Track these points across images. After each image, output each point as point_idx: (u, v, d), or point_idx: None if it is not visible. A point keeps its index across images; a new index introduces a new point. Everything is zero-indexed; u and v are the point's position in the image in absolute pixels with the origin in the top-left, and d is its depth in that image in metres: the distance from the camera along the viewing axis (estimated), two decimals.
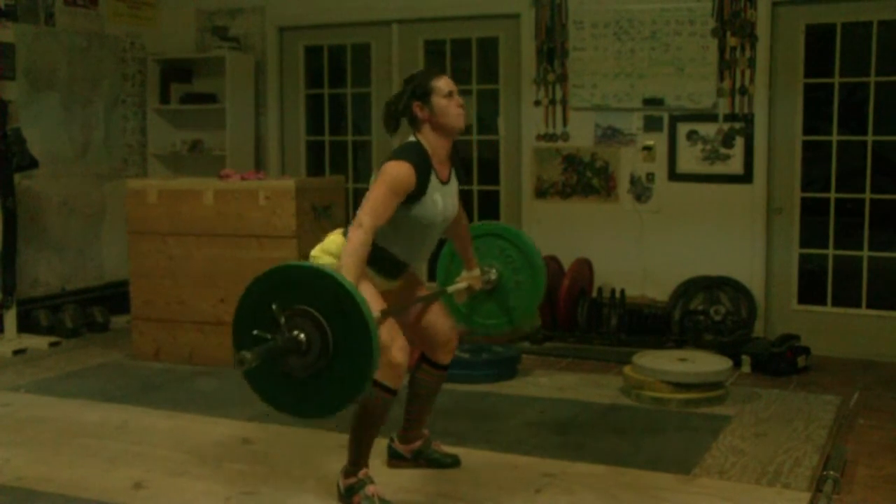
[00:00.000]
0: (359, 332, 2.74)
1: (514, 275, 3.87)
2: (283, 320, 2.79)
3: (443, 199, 3.27)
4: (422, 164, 3.19)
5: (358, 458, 3.29)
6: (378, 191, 3.09)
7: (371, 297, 3.13)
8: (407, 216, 3.19)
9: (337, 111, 7.06)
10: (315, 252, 3.28)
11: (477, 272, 3.75)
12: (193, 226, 5.40)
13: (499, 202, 6.47)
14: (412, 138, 3.29)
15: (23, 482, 3.59)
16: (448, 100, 3.26)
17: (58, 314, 6.24)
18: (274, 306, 2.80)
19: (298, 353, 2.80)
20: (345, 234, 3.24)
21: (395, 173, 3.11)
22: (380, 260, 3.25)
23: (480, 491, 3.46)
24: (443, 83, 3.27)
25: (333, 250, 3.22)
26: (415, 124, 3.29)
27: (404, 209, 3.17)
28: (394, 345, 3.12)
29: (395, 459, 3.65)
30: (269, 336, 2.80)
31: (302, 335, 2.78)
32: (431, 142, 3.27)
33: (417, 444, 3.65)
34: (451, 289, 3.71)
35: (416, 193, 3.17)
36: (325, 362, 2.79)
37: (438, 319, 3.51)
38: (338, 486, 3.34)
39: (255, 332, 2.82)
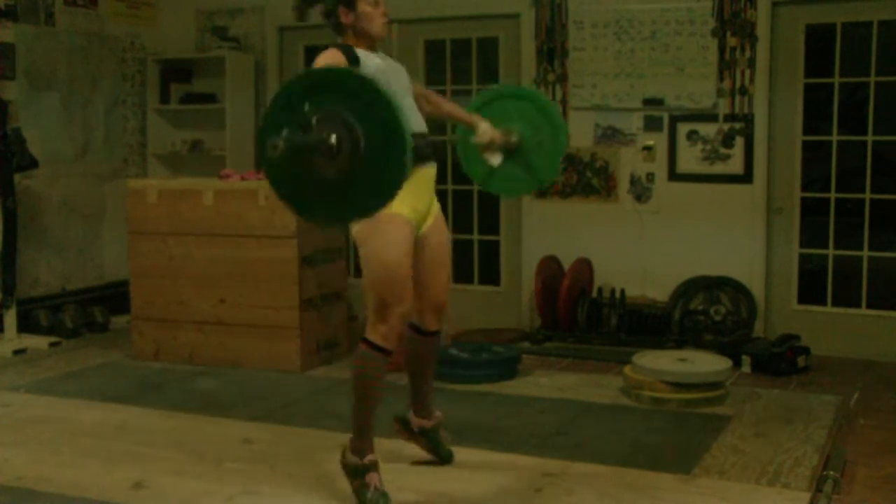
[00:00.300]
0: (392, 139, 2.67)
1: (535, 134, 3.84)
2: (314, 121, 2.71)
3: (383, 61, 3.34)
4: (346, 48, 3.24)
5: (361, 431, 3.28)
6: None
7: (401, 243, 3.17)
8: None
9: None
10: None
11: (487, 123, 3.72)
12: (193, 226, 5.40)
13: (499, 202, 6.47)
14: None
15: (23, 482, 3.59)
16: (374, 7, 3.32)
17: (58, 314, 6.24)
18: (307, 106, 2.72)
19: (328, 155, 2.71)
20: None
21: (327, 52, 3.20)
22: None
23: (480, 491, 3.46)
24: None
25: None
26: (338, 29, 3.35)
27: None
28: (397, 306, 3.14)
29: (401, 427, 3.66)
30: (312, 119, 2.72)
31: (333, 137, 2.70)
32: (353, 43, 3.32)
33: (428, 422, 3.65)
34: (474, 140, 3.68)
35: (352, 64, 3.19)
36: (354, 166, 2.71)
37: (436, 276, 3.47)
38: (343, 453, 3.33)
39: (284, 131, 2.71)
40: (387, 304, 3.17)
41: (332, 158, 2.71)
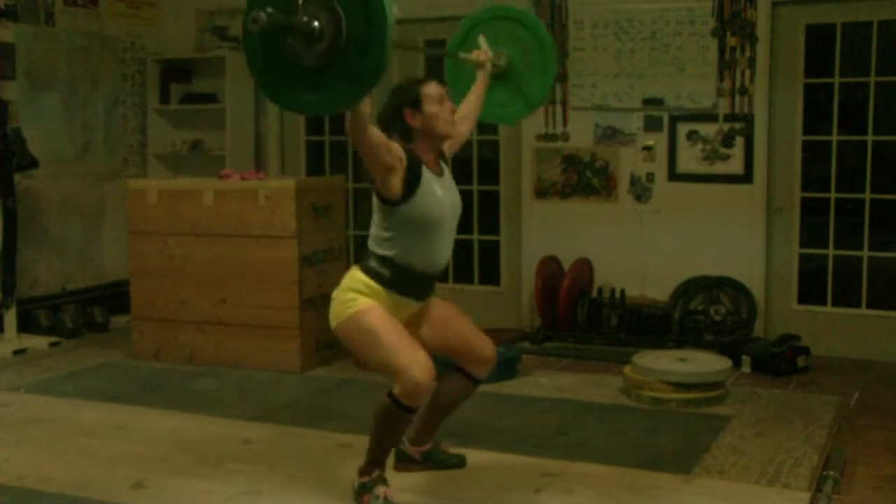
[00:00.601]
0: (375, 29, 2.64)
1: (524, 56, 3.82)
2: (300, 2, 2.67)
3: (442, 189, 3.26)
4: (411, 154, 3.18)
5: (373, 459, 3.29)
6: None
7: (387, 320, 3.16)
8: (415, 214, 3.17)
9: None
10: (334, 293, 3.28)
11: (485, 57, 3.72)
12: (193, 226, 5.40)
13: (499, 202, 6.47)
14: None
15: (23, 482, 3.59)
16: (440, 106, 3.25)
17: (58, 314, 6.24)
18: None
19: (309, 40, 2.69)
20: (361, 269, 3.25)
21: (392, 142, 3.13)
22: (400, 278, 3.23)
23: (480, 491, 3.46)
24: (432, 89, 3.26)
25: (353, 285, 3.23)
26: (405, 131, 3.26)
27: (409, 207, 3.16)
28: (415, 364, 3.07)
29: (403, 462, 3.63)
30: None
31: (316, 22, 2.67)
32: (420, 147, 3.26)
33: (428, 446, 3.64)
34: (462, 55, 3.64)
35: (412, 182, 3.14)
36: (335, 55, 2.68)
37: (473, 335, 3.48)
38: (353, 483, 3.34)
39: (268, 9, 2.67)
40: (400, 371, 3.09)
41: (312, 44, 2.69)
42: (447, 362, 3.50)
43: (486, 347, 3.48)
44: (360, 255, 3.38)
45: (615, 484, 3.52)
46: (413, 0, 6.37)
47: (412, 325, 3.34)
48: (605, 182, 6.07)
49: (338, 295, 3.26)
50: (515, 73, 3.85)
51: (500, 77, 3.85)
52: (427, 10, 6.44)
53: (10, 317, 5.87)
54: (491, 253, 6.55)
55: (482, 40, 3.80)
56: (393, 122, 3.26)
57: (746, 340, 5.43)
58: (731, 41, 5.71)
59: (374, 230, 3.27)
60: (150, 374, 5.29)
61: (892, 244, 5.67)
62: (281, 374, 5.19)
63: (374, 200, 3.24)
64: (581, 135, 6.09)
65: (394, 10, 2.92)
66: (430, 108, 3.23)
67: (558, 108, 6.13)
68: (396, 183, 3.13)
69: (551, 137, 6.15)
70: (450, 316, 3.48)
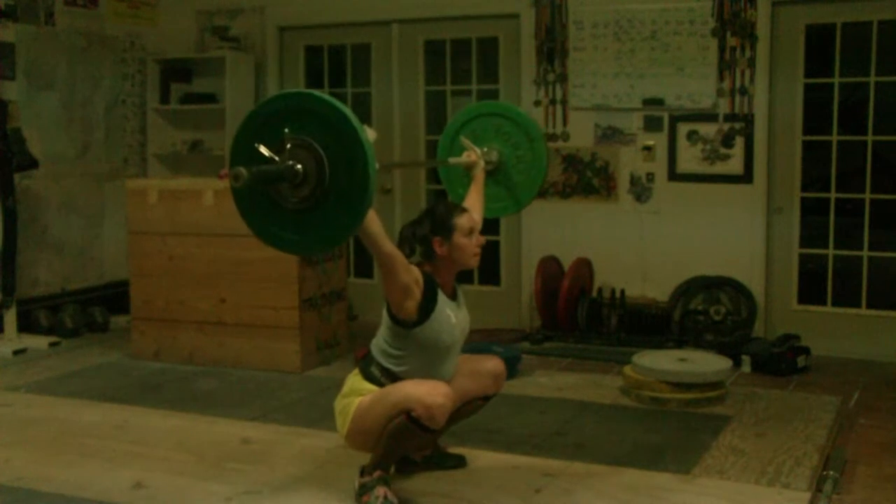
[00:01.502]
0: (356, 174, 2.70)
1: (514, 151, 3.87)
2: (289, 146, 2.75)
3: (455, 314, 3.29)
4: (428, 278, 3.21)
5: (378, 463, 3.30)
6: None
7: (382, 395, 3.20)
8: (427, 339, 3.21)
9: None
10: (336, 403, 3.34)
11: (476, 156, 3.77)
12: (193, 226, 5.40)
13: None
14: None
15: (23, 482, 3.59)
16: (468, 239, 3.29)
17: (58, 314, 6.24)
18: (286, 130, 2.76)
19: (293, 183, 2.76)
20: (364, 376, 3.28)
21: (411, 267, 3.16)
22: None
23: (480, 491, 3.46)
24: (465, 220, 3.30)
25: (350, 391, 3.28)
26: (429, 256, 3.30)
27: (422, 332, 3.19)
28: (432, 391, 3.11)
29: (403, 464, 3.63)
30: (267, 154, 2.77)
31: (299, 166, 2.75)
32: (440, 271, 3.29)
33: (429, 449, 3.64)
34: (452, 160, 3.69)
35: (427, 307, 3.18)
36: (318, 198, 2.76)
37: (485, 366, 3.51)
38: (354, 483, 3.35)
39: (256, 144, 2.78)
40: (420, 397, 3.11)
41: (296, 187, 2.76)
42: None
43: (489, 371, 3.52)
44: (365, 360, 3.38)
45: (615, 484, 3.52)
46: (413, 0, 6.40)
47: None
48: (605, 182, 6.07)
49: (339, 401, 3.32)
50: (507, 169, 3.90)
51: (491, 173, 3.89)
52: (427, 11, 6.45)
53: (10, 317, 5.87)
54: (491, 253, 6.55)
55: (465, 142, 3.84)
56: (419, 243, 3.30)
57: (746, 340, 5.43)
58: (731, 41, 5.71)
59: (382, 344, 3.30)
60: (150, 374, 5.29)
61: (892, 244, 5.67)
62: (281, 374, 5.19)
63: (385, 317, 3.26)
64: (581, 135, 6.10)
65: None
66: (460, 240, 3.28)
67: (558, 108, 6.13)
68: (412, 306, 3.16)
69: (551, 137, 6.15)
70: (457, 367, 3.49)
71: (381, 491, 3.23)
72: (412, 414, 3.12)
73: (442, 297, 3.25)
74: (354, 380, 3.32)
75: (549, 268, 5.99)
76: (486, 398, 3.58)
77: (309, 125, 2.76)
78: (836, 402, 4.60)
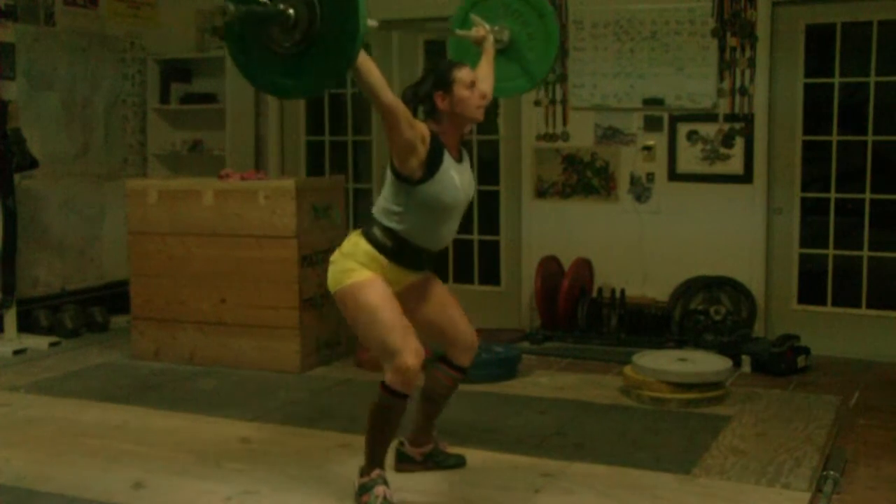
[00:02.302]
0: (347, 15, 2.73)
1: (524, 28, 3.85)
2: None
3: (459, 175, 3.26)
4: (434, 138, 3.19)
5: (373, 459, 3.30)
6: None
7: (385, 298, 3.17)
8: (429, 197, 3.18)
9: (337, 111, 7.06)
10: (334, 256, 3.29)
11: (484, 31, 3.76)
12: (193, 226, 5.40)
13: (499, 202, 6.47)
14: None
15: (23, 482, 3.59)
16: (470, 91, 3.26)
17: (58, 314, 6.24)
18: None
19: (283, 27, 2.78)
20: (364, 236, 3.25)
21: (418, 123, 3.14)
22: (401, 250, 3.24)
23: (480, 491, 3.46)
24: (465, 73, 3.27)
25: (354, 253, 3.23)
26: (433, 113, 3.28)
27: (425, 189, 3.16)
28: (406, 348, 3.12)
29: (403, 463, 3.63)
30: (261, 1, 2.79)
31: (291, 10, 2.76)
32: (445, 129, 3.27)
33: (428, 447, 3.64)
34: (460, 32, 3.66)
35: (432, 165, 3.15)
36: (309, 42, 2.78)
37: (461, 319, 3.49)
38: (353, 484, 3.35)
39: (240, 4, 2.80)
40: (393, 353, 3.14)
41: (287, 31, 2.78)
42: (433, 355, 3.52)
43: (469, 334, 3.50)
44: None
45: (615, 484, 3.52)
46: (413, 0, 6.39)
47: (409, 295, 3.35)
48: (605, 182, 6.07)
49: (337, 259, 3.27)
50: (519, 47, 3.87)
51: (503, 52, 3.87)
52: (427, 11, 6.43)
53: (10, 317, 5.87)
54: (491, 253, 6.55)
55: (475, 19, 3.83)
56: (422, 102, 3.28)
57: (746, 340, 5.42)
58: (731, 41, 5.71)
59: (383, 202, 3.27)
60: (150, 374, 5.29)
61: (892, 244, 5.67)
62: (281, 374, 5.19)
63: (389, 174, 3.24)
64: (581, 135, 6.09)
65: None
66: (461, 92, 3.25)
67: (558, 108, 6.13)
68: (416, 163, 3.14)
69: (551, 137, 6.15)
70: (444, 298, 3.48)
71: (380, 490, 3.23)
72: (384, 382, 3.16)
73: (447, 158, 3.22)
74: (356, 238, 3.27)
75: (549, 268, 5.98)
76: (456, 367, 3.51)
77: None
78: (836, 402, 4.60)
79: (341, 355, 5.47)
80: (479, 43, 3.81)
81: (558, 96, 6.11)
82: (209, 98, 7.10)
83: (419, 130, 3.12)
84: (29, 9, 6.26)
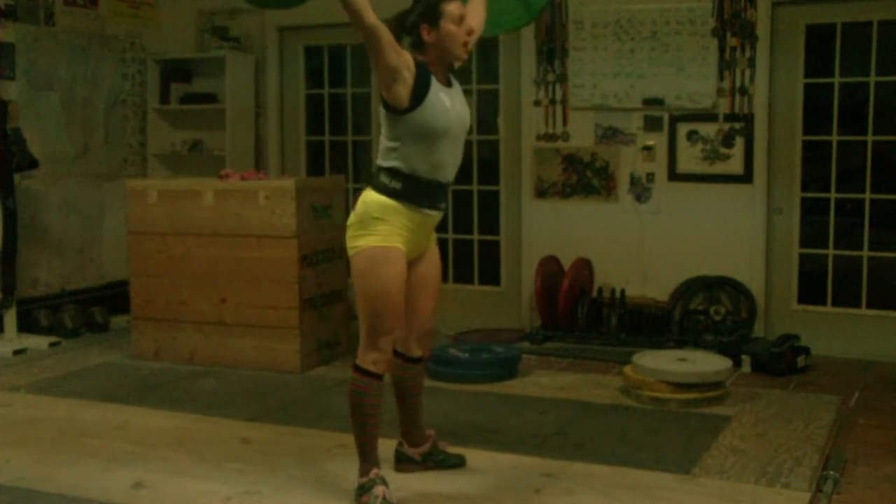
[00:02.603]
0: None
1: None
2: None
3: (450, 99, 3.24)
4: (420, 64, 3.17)
5: (364, 455, 3.30)
6: None
7: (399, 278, 3.19)
8: (422, 122, 3.16)
9: (337, 111, 7.06)
10: (350, 219, 3.29)
11: None
12: (193, 226, 5.40)
13: (499, 202, 6.47)
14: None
15: (23, 482, 3.59)
16: (457, 26, 3.22)
17: (58, 314, 6.24)
18: None
19: None
20: (373, 187, 3.25)
21: (403, 49, 3.13)
22: (411, 187, 3.22)
23: (480, 491, 3.46)
24: (454, 7, 3.22)
25: (369, 210, 3.23)
26: (418, 45, 3.25)
27: (417, 115, 3.15)
28: (389, 334, 3.20)
29: (403, 463, 3.63)
30: None
31: None
32: (431, 61, 3.24)
33: (426, 446, 3.63)
34: None
35: (419, 90, 3.13)
36: None
37: (423, 303, 3.45)
38: (353, 485, 3.35)
39: None
40: (379, 333, 3.20)
41: None
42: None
43: (426, 321, 3.48)
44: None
45: (615, 484, 3.52)
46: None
47: (416, 265, 3.36)
48: (605, 182, 6.07)
49: (353, 222, 3.27)
50: None
51: None
52: None
53: (10, 317, 5.87)
54: (491, 253, 6.55)
55: None
56: (407, 32, 3.25)
57: (746, 340, 5.43)
58: (731, 41, 5.71)
59: (383, 142, 3.27)
60: (150, 374, 5.29)
61: (892, 244, 5.67)
62: (281, 374, 5.19)
63: (382, 111, 3.23)
64: (581, 135, 6.10)
65: None
66: (448, 26, 3.21)
67: (558, 108, 6.13)
68: (403, 91, 3.12)
69: (551, 137, 6.15)
70: (426, 283, 3.45)
71: (379, 490, 3.23)
72: (356, 364, 3.23)
73: (435, 83, 3.20)
74: (366, 195, 3.27)
75: (549, 268, 5.99)
76: (408, 359, 3.50)
77: None
78: (836, 402, 4.60)
79: (341, 355, 5.46)
80: None
81: (558, 96, 6.11)
82: (209, 98, 7.10)
83: (405, 58, 3.11)
84: (29, 9, 6.26)
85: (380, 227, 3.20)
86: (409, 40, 3.28)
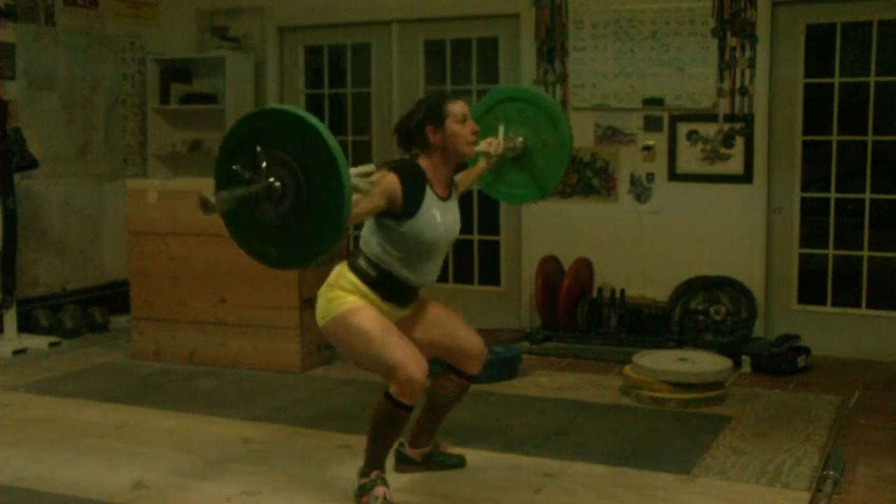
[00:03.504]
0: (332, 184, 2.72)
1: (538, 136, 3.83)
2: (263, 164, 2.78)
3: (442, 214, 3.25)
4: (412, 181, 3.17)
5: (372, 461, 3.30)
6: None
7: (375, 318, 3.18)
8: (409, 234, 3.18)
9: (337, 111, 7.06)
10: (321, 290, 3.30)
11: (494, 149, 3.72)
12: (193, 226, 5.39)
13: (499, 202, 6.46)
14: (414, 157, 3.29)
15: (23, 482, 3.59)
16: (462, 126, 3.24)
17: (58, 314, 6.24)
18: (259, 148, 2.78)
19: (272, 201, 2.79)
20: (349, 266, 3.26)
21: (381, 177, 3.11)
22: (388, 285, 3.25)
23: (480, 491, 3.46)
24: (458, 108, 3.25)
25: (340, 283, 3.24)
26: (423, 146, 3.26)
27: (405, 227, 3.16)
28: (407, 360, 3.12)
29: (403, 464, 3.63)
30: (246, 174, 2.80)
31: (277, 183, 2.77)
32: (436, 163, 3.26)
33: (427, 448, 3.64)
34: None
35: (410, 208, 3.15)
36: (298, 212, 2.78)
37: (464, 331, 3.49)
38: (353, 484, 3.35)
39: (234, 166, 2.82)
40: (394, 368, 3.14)
41: (276, 203, 2.78)
42: (439, 361, 3.52)
43: (475, 343, 3.50)
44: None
45: (615, 484, 3.52)
46: (413, 0, 6.40)
47: (404, 325, 3.34)
48: (605, 182, 6.07)
49: (324, 292, 3.28)
50: (531, 154, 3.84)
51: (515, 160, 3.84)
52: (427, 11, 6.45)
53: (10, 317, 5.87)
54: (491, 253, 6.55)
55: (501, 128, 3.78)
56: (413, 134, 3.26)
57: (746, 340, 5.43)
58: (731, 41, 5.71)
59: (368, 235, 3.28)
60: (150, 374, 5.28)
61: (892, 244, 5.67)
62: (281, 374, 5.19)
63: None
64: (581, 135, 6.07)
65: (368, 180, 3.00)
66: (453, 126, 3.23)
67: None
68: (395, 210, 3.15)
69: None
70: (440, 317, 3.49)
71: (380, 491, 3.23)
72: (388, 392, 3.16)
73: (429, 198, 3.21)
74: (341, 269, 3.28)
75: (549, 268, 5.98)
76: (466, 376, 3.51)
77: (279, 140, 2.78)
78: (836, 402, 4.60)
79: (341, 355, 5.45)
80: (485, 157, 3.73)
81: (558, 96, 6.11)
82: (209, 98, 7.10)
83: (385, 190, 3.09)
84: (29, 9, 6.26)
85: (347, 296, 3.21)
86: (415, 142, 3.28)
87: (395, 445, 3.61)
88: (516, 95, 3.94)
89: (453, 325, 3.50)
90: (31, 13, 6.28)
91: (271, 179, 2.77)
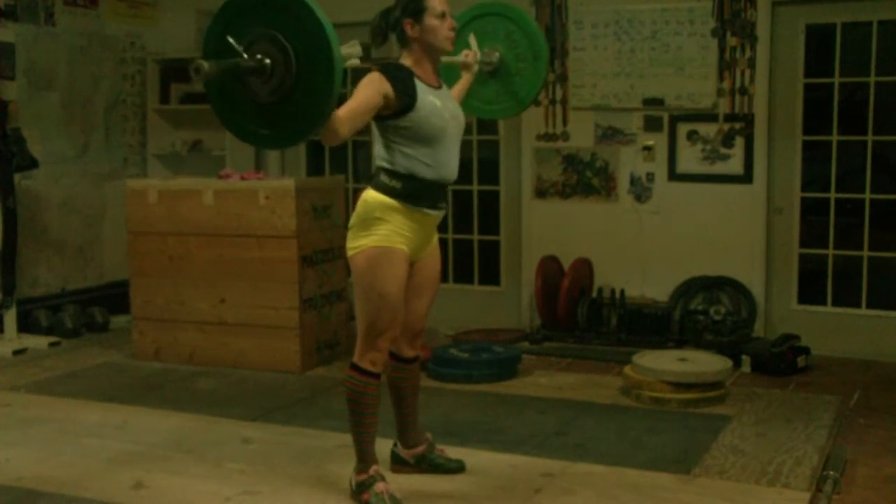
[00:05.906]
0: (321, 53, 2.75)
1: (516, 61, 3.85)
2: (248, 42, 2.82)
3: (441, 101, 3.25)
4: (399, 74, 3.17)
5: (363, 453, 3.30)
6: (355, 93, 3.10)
7: (400, 279, 3.20)
8: (416, 126, 3.16)
9: None
10: (351, 220, 3.29)
11: (472, 59, 3.76)
12: (193, 226, 5.40)
13: (499, 202, 6.47)
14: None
15: (23, 482, 3.59)
16: (440, 20, 3.24)
17: (58, 314, 6.24)
18: (230, 39, 2.83)
19: (262, 76, 2.80)
20: (373, 187, 3.25)
21: (367, 78, 3.12)
22: (410, 187, 3.21)
23: (480, 491, 3.46)
24: (436, 2, 3.25)
25: (369, 211, 3.23)
26: (403, 41, 3.28)
27: (409, 120, 3.15)
28: (388, 332, 3.20)
29: (398, 465, 3.63)
30: (240, 48, 2.83)
31: (267, 59, 2.79)
32: (417, 58, 3.26)
33: (420, 449, 3.62)
34: (445, 59, 3.61)
35: (406, 99, 3.14)
36: (290, 86, 2.79)
37: (418, 303, 3.43)
38: (350, 483, 3.35)
39: (228, 38, 2.86)
40: (378, 332, 3.20)
41: (266, 80, 2.80)
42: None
43: (418, 320, 3.46)
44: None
45: (615, 484, 3.52)
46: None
47: (418, 266, 3.35)
48: (605, 182, 6.07)
49: (354, 223, 3.26)
50: (507, 71, 3.88)
51: (492, 74, 3.88)
52: None
53: (10, 317, 5.87)
54: (491, 253, 6.55)
55: (472, 40, 3.82)
56: (392, 28, 3.28)
57: (746, 340, 5.43)
58: (731, 41, 5.71)
59: (378, 149, 3.27)
60: (150, 374, 5.29)
61: (892, 244, 5.67)
62: (281, 374, 5.19)
63: (372, 122, 3.23)
64: (581, 135, 6.09)
65: (354, 52, 3.00)
66: (431, 21, 3.24)
67: (558, 108, 6.13)
68: (392, 107, 3.14)
69: (551, 137, 6.15)
70: (428, 280, 3.45)
71: (381, 487, 3.23)
72: (354, 363, 3.23)
73: (421, 88, 3.20)
74: (367, 194, 3.27)
75: (549, 268, 5.99)
76: (401, 359, 3.49)
77: (276, 19, 2.80)
78: (836, 402, 4.60)
79: (341, 355, 5.46)
80: (465, 68, 3.79)
81: (558, 96, 6.11)
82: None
83: (379, 89, 3.09)
84: (29, 9, 6.26)
85: (380, 228, 3.19)
86: (395, 36, 3.30)
87: (390, 445, 3.62)
88: (507, 14, 3.92)
89: (423, 296, 3.45)
90: (31, 13, 6.28)
91: (259, 56, 2.80)
